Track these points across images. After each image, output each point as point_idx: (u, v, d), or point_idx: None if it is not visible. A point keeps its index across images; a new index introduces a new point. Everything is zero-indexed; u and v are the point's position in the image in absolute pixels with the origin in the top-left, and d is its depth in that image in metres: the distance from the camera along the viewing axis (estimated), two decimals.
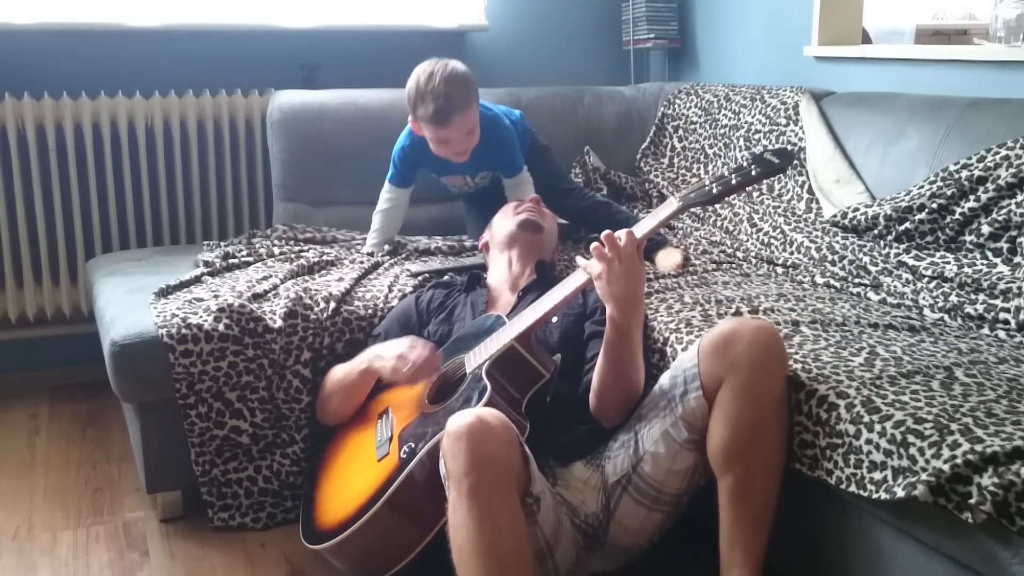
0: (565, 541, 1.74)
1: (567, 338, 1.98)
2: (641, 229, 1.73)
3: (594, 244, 1.69)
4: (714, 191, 1.70)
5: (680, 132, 3.15)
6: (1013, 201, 2.05)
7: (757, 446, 1.62)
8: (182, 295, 2.28)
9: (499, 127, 2.60)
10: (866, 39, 3.43)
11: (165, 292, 2.30)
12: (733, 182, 1.69)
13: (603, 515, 1.80)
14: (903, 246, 2.27)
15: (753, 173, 1.68)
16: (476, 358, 1.88)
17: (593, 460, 1.84)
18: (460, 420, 1.54)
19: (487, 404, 1.71)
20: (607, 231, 1.70)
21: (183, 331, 2.09)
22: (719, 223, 2.85)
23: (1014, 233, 2.05)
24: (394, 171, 2.63)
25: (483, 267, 2.35)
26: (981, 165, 2.12)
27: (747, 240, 2.69)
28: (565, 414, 1.89)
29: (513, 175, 2.61)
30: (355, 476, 1.88)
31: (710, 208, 2.89)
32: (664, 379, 1.74)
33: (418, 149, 2.57)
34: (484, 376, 1.79)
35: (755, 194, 2.77)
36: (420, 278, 2.39)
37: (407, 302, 2.22)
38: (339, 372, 2.08)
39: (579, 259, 1.74)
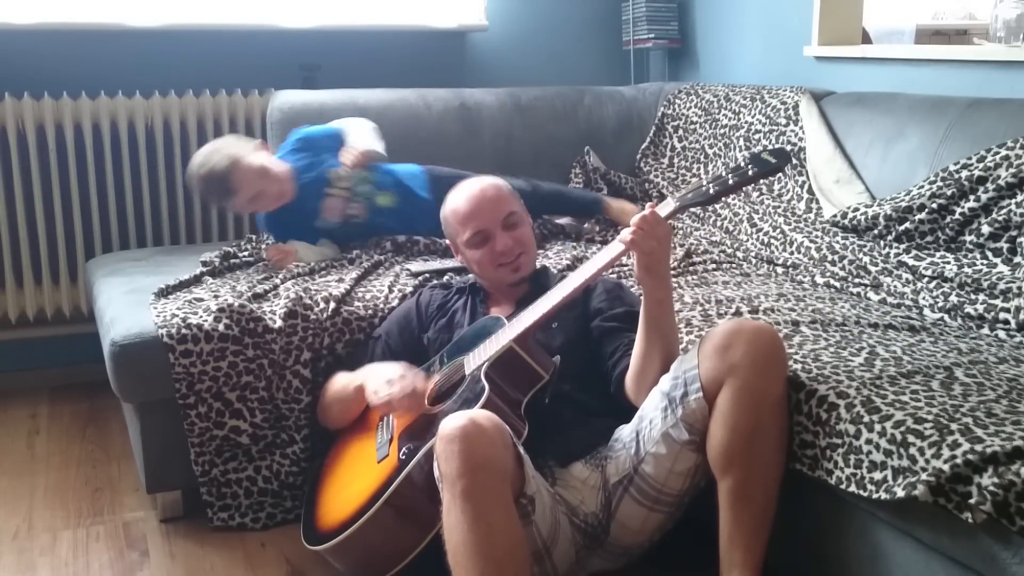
0: (563, 541, 1.74)
1: (569, 342, 1.98)
2: (663, 211, 1.73)
3: (634, 219, 1.70)
4: (711, 191, 1.70)
5: (680, 132, 3.15)
6: (1013, 201, 2.05)
7: (757, 448, 1.62)
8: (182, 295, 2.28)
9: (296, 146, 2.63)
10: (866, 39, 3.43)
11: (165, 292, 2.30)
12: (730, 182, 1.69)
13: (603, 515, 1.79)
14: (903, 246, 2.27)
15: (750, 173, 1.68)
16: (475, 360, 1.88)
17: (592, 460, 1.84)
18: (453, 423, 1.54)
19: (484, 406, 1.71)
20: (650, 207, 1.71)
21: (183, 331, 2.09)
22: (719, 223, 2.85)
23: (1014, 233, 2.05)
24: (274, 236, 2.65)
25: None
26: (981, 165, 2.12)
27: (747, 240, 2.69)
28: (565, 415, 1.88)
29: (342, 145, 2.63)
30: (355, 478, 1.88)
31: (710, 208, 2.89)
32: (665, 381, 1.74)
33: (271, 215, 2.59)
34: (483, 378, 1.79)
35: (755, 194, 2.77)
36: (420, 278, 2.39)
37: (408, 304, 2.21)
38: (339, 383, 2.08)
39: (622, 233, 1.73)
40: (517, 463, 1.61)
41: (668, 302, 1.75)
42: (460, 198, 2.07)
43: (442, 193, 2.17)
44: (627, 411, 1.85)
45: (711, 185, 1.70)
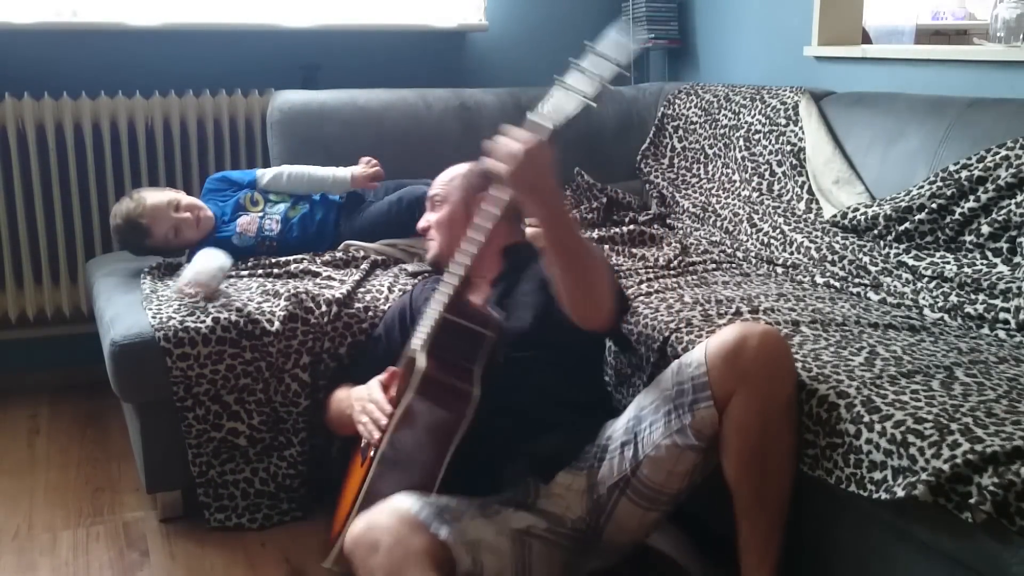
0: (539, 566, 1.70)
1: (541, 314, 1.87)
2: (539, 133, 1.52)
3: (490, 144, 1.54)
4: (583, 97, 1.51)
5: (680, 132, 3.15)
6: (1013, 201, 2.05)
7: (770, 454, 1.62)
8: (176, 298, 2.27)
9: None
10: (866, 39, 3.43)
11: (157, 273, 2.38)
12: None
13: (591, 518, 1.76)
14: (903, 246, 2.27)
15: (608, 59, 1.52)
16: (418, 342, 1.81)
17: (576, 464, 1.79)
18: (350, 534, 1.55)
19: (420, 389, 1.69)
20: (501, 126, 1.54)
21: (180, 334, 2.09)
22: (719, 223, 2.85)
23: (1014, 233, 2.05)
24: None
25: None
26: (981, 165, 2.12)
27: (747, 240, 2.69)
28: (548, 418, 1.81)
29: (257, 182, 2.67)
30: (351, 486, 1.87)
31: (709, 208, 2.88)
32: (667, 382, 1.71)
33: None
34: (426, 357, 1.74)
35: (755, 194, 2.77)
36: (420, 278, 2.39)
37: (402, 300, 2.20)
38: (336, 402, 2.06)
39: (486, 161, 1.54)
40: (433, 544, 1.54)
41: (567, 224, 1.59)
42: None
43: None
44: (614, 405, 1.82)
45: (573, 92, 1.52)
